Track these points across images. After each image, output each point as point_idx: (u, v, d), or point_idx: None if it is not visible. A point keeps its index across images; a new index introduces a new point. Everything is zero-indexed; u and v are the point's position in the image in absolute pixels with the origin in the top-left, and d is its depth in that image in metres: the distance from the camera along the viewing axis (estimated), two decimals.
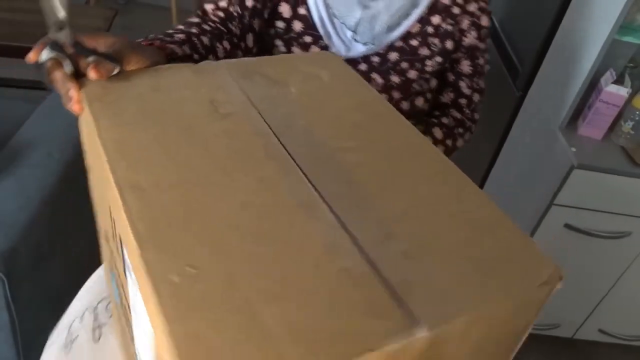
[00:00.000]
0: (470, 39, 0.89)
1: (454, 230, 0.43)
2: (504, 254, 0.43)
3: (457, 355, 0.41)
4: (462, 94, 0.95)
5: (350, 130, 0.52)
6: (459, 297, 0.38)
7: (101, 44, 0.52)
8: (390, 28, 0.85)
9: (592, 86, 1.38)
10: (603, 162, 1.36)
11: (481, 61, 0.94)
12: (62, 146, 1.21)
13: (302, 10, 0.85)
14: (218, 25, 0.78)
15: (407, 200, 0.45)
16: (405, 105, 0.92)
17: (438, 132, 0.92)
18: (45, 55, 0.49)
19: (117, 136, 0.46)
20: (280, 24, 0.86)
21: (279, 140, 0.48)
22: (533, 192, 1.54)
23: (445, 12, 0.87)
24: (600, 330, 1.73)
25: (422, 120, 0.97)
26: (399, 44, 0.87)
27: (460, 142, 0.96)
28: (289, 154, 0.47)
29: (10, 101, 1.58)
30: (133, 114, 0.48)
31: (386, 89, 0.89)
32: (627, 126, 1.39)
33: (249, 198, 0.42)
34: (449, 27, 0.87)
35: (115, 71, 0.52)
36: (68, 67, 0.50)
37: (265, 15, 0.85)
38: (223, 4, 0.82)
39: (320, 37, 0.85)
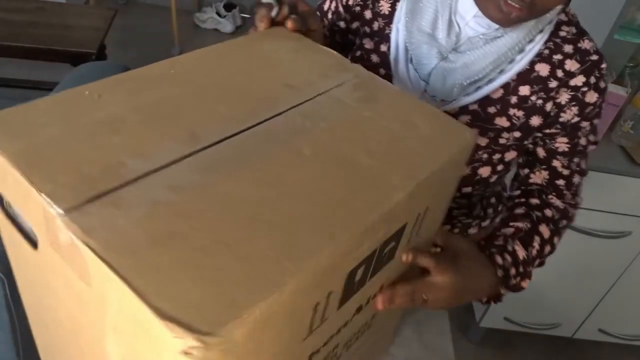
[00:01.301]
0: (569, 115, 0.76)
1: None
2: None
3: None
4: (558, 174, 0.81)
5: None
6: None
7: (301, 5, 0.65)
8: (466, 89, 0.75)
9: None
10: (603, 161, 1.36)
11: (583, 141, 0.80)
12: None
13: (383, 47, 0.79)
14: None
15: None
16: (466, 169, 0.80)
17: (545, 230, 0.77)
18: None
19: None
20: (357, 53, 0.82)
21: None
22: None
23: (538, 83, 0.74)
24: (600, 330, 1.73)
25: (485, 192, 0.89)
26: (474, 107, 0.76)
27: (560, 238, 0.83)
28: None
29: (10, 101, 1.58)
30: None
31: None
32: (627, 126, 1.39)
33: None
34: (539, 102, 0.75)
35: (301, 28, 0.64)
36: (274, 12, 0.63)
37: (348, 38, 0.86)
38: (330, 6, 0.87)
39: (391, 77, 0.80)
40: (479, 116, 0.76)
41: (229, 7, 2.94)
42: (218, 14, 2.92)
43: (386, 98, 0.57)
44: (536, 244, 0.75)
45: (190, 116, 0.48)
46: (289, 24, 0.63)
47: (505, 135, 0.77)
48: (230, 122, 0.48)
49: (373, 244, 0.45)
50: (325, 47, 0.64)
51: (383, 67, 0.80)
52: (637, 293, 1.62)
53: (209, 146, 0.45)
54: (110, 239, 0.35)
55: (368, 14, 0.81)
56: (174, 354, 0.31)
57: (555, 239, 0.80)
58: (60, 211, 0.36)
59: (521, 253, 0.71)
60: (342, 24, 0.85)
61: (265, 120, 0.49)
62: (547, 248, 0.78)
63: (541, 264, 0.78)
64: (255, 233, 0.38)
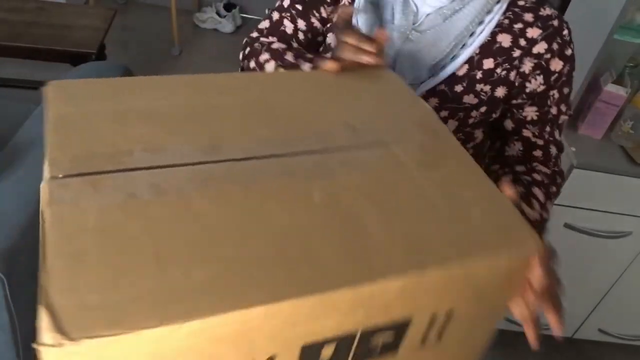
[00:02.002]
0: (534, 84, 0.75)
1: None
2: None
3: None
4: (532, 144, 0.79)
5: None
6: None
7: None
8: (432, 69, 0.74)
9: (592, 86, 1.39)
10: (603, 161, 1.36)
11: (554, 110, 0.78)
12: None
13: None
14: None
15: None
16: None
17: (539, 193, 0.74)
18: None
19: None
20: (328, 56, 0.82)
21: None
22: None
23: (501, 54, 0.74)
24: (600, 330, 1.73)
25: None
26: (441, 87, 0.75)
27: (552, 205, 0.79)
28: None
29: (10, 101, 1.58)
30: None
31: None
32: (626, 126, 1.39)
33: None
34: (504, 73, 0.74)
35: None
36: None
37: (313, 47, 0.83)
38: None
39: None
40: (447, 97, 0.75)
41: (228, 7, 2.94)
42: (218, 14, 2.92)
43: (452, 169, 0.49)
44: (536, 206, 0.72)
45: (227, 129, 0.47)
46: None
47: (473, 113, 0.76)
48: (262, 145, 0.46)
49: (343, 323, 0.39)
50: (420, 99, 0.58)
51: None
52: (637, 293, 1.62)
53: (222, 161, 0.44)
54: (66, 215, 0.37)
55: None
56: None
57: (549, 205, 0.76)
58: (48, 176, 0.39)
59: (528, 211, 0.70)
60: (320, 39, 0.84)
61: (299, 154, 0.46)
62: (545, 214, 0.75)
63: (541, 232, 0.74)
64: (196, 260, 0.36)
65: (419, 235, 0.42)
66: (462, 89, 0.74)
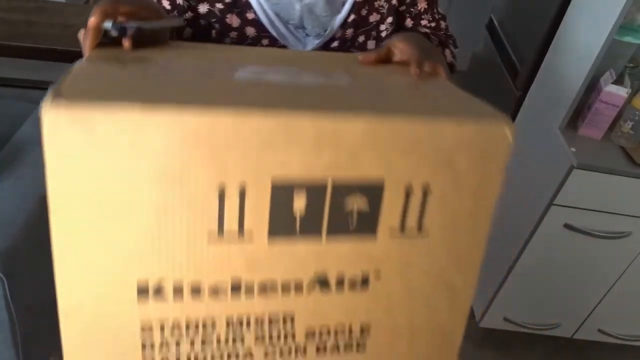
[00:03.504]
0: None
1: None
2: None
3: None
4: (428, 28, 0.93)
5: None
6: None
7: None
8: (335, 10, 0.83)
9: (592, 86, 1.38)
10: (603, 162, 1.36)
11: None
12: None
13: (250, 15, 0.82)
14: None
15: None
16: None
17: (447, 52, 0.90)
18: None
19: None
20: (233, 34, 0.83)
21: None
22: (533, 192, 1.54)
23: None
24: (600, 330, 1.73)
25: None
26: (351, 17, 0.84)
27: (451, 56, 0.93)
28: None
29: (10, 101, 1.58)
30: None
31: None
32: (626, 126, 1.39)
33: None
34: None
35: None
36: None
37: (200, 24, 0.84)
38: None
39: (275, 39, 0.83)
40: (359, 22, 0.85)
41: None
42: None
43: (433, 89, 0.58)
44: (448, 55, 0.89)
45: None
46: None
47: (382, 27, 0.88)
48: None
49: (310, 165, 0.41)
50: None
51: (264, 33, 0.83)
52: (637, 293, 1.62)
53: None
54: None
55: None
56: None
57: (453, 62, 0.92)
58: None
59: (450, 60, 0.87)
60: (188, 14, 0.83)
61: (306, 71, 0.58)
62: (454, 61, 0.91)
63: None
64: (185, 78, 0.49)
65: (389, 97, 0.49)
66: (366, 11, 0.85)
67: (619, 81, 1.37)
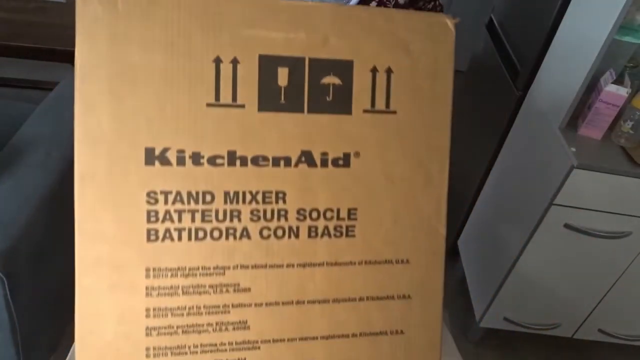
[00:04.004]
0: None
1: None
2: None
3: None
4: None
5: None
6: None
7: None
8: None
9: (592, 86, 1.39)
10: (603, 162, 1.36)
11: None
12: (62, 146, 1.21)
13: None
14: None
15: None
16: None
17: None
18: None
19: None
20: None
21: None
22: (533, 192, 1.54)
23: None
24: (600, 330, 1.73)
25: None
26: None
27: None
28: None
29: (10, 101, 1.58)
30: None
31: None
32: (626, 126, 1.39)
33: None
34: None
35: None
36: None
37: None
38: None
39: None
40: None
41: None
42: None
43: None
44: None
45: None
46: None
47: None
48: None
49: (289, 42, 0.49)
50: None
51: None
52: (637, 293, 1.62)
53: None
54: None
55: None
56: None
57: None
58: None
59: None
60: None
61: None
62: None
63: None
64: None
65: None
66: None
67: (619, 81, 1.37)
